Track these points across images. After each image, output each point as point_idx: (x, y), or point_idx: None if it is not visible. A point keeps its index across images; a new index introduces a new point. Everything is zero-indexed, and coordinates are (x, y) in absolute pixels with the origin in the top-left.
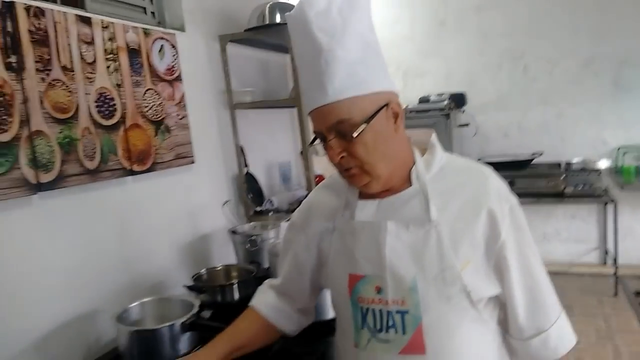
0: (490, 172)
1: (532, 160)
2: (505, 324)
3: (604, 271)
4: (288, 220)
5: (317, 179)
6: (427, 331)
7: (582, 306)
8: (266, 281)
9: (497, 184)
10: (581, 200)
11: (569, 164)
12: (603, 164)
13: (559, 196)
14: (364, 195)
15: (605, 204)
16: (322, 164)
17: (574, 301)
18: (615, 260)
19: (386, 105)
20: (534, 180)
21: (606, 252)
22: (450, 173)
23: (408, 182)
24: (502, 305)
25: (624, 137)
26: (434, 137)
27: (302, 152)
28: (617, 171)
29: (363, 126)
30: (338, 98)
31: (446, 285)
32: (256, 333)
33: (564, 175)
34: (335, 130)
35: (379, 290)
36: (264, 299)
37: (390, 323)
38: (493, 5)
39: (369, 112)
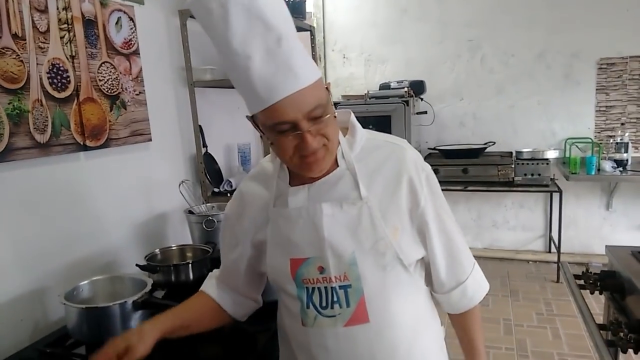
0: (406, 143)
1: (485, 148)
2: (429, 280)
3: (547, 258)
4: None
5: None
6: (369, 301)
7: (526, 291)
8: (213, 271)
9: (413, 155)
10: (529, 189)
11: (519, 153)
12: (551, 154)
13: (509, 184)
14: (294, 182)
15: (552, 193)
16: None
17: (519, 286)
18: (558, 247)
19: (326, 87)
20: (486, 168)
21: (550, 240)
22: (372, 150)
23: (335, 163)
24: (427, 266)
25: (572, 129)
26: (352, 118)
27: (262, 135)
28: (564, 162)
29: (331, 106)
30: (309, 82)
31: (381, 255)
32: (205, 313)
33: (514, 164)
34: (311, 115)
35: (321, 270)
36: (212, 284)
37: (335, 299)
38: None
39: (326, 93)
